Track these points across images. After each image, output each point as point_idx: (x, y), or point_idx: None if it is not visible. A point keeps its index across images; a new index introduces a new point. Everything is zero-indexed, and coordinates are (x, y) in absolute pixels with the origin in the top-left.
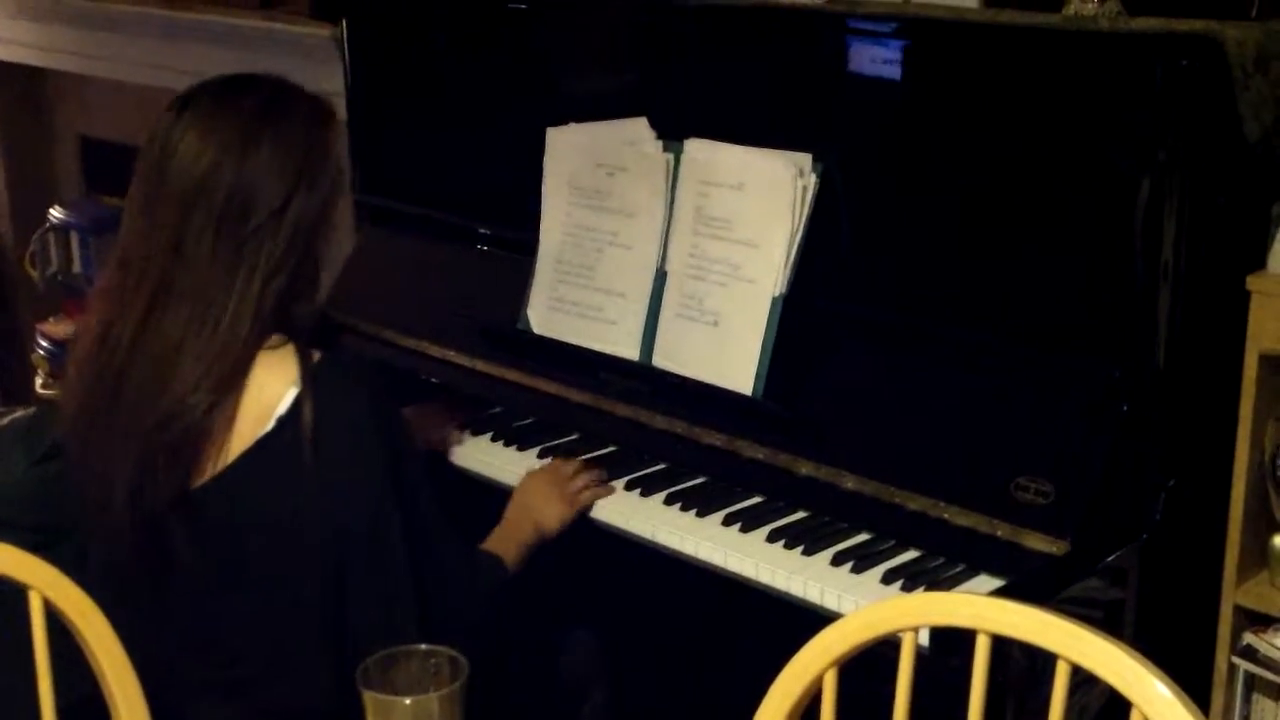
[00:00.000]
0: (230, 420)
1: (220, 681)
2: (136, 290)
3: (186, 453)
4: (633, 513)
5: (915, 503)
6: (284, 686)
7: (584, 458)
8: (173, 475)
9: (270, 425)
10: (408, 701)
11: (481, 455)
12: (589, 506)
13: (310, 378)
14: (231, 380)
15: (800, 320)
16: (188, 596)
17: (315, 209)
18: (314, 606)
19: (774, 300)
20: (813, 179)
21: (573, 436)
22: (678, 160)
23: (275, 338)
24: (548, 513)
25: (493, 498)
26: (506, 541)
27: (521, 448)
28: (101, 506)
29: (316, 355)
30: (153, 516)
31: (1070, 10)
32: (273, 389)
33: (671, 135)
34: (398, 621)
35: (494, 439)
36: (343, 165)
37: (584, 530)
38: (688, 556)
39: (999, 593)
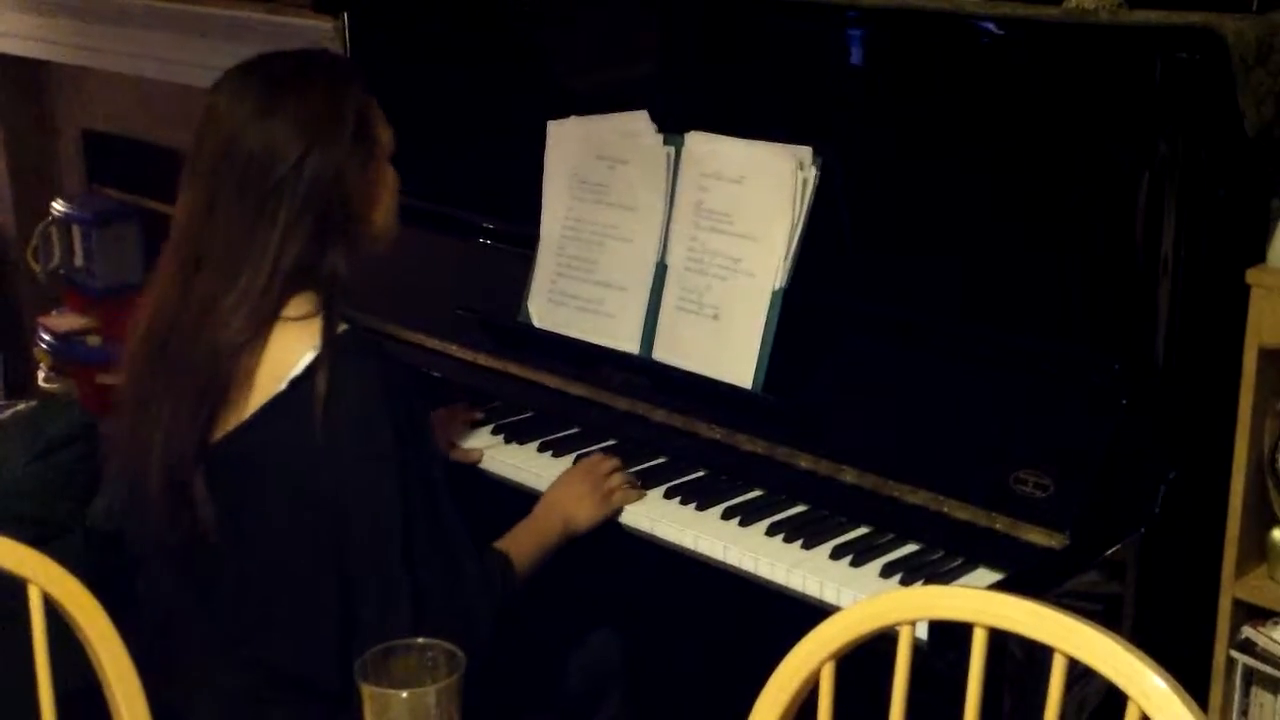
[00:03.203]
0: (250, 376)
1: (231, 645)
2: (180, 263)
3: (210, 400)
4: (632, 506)
5: (914, 496)
6: (287, 655)
7: (584, 451)
8: (196, 423)
9: (283, 385)
10: (404, 695)
11: (481, 448)
12: (620, 509)
13: (330, 345)
14: (256, 328)
15: (800, 314)
16: (209, 557)
17: (334, 163)
18: (314, 576)
19: (774, 294)
20: (813, 172)
21: (573, 430)
22: (678, 153)
23: (305, 304)
24: (579, 512)
25: (491, 491)
26: (528, 539)
27: (521, 442)
28: (140, 477)
29: (343, 327)
30: (179, 474)
31: (1070, 3)
32: (293, 352)
33: (672, 128)
34: (389, 613)
35: (494, 433)
36: (374, 124)
37: None
38: (687, 550)
39: (997, 586)
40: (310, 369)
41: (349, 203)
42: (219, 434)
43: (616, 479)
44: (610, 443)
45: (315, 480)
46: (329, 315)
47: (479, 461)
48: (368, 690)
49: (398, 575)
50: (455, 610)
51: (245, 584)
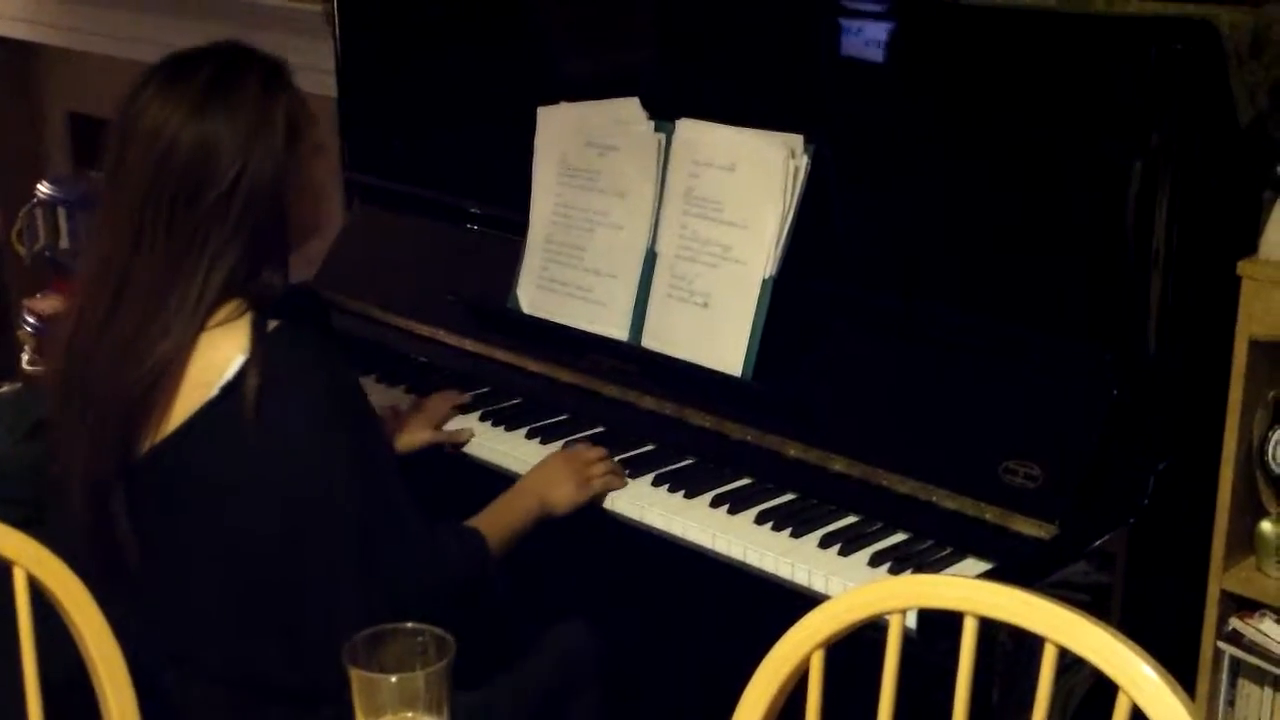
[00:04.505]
0: (174, 389)
1: (183, 655)
2: (103, 286)
3: (131, 423)
4: (620, 493)
5: (904, 485)
6: (241, 659)
7: (572, 438)
8: (117, 443)
9: (214, 392)
10: (394, 679)
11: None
12: (601, 495)
13: (260, 345)
14: (176, 352)
15: (790, 302)
16: (142, 571)
17: (269, 175)
18: (258, 577)
19: (764, 282)
20: (804, 160)
21: (561, 417)
22: (669, 140)
23: (231, 309)
24: (558, 492)
25: (477, 477)
26: (501, 516)
27: (509, 428)
28: (63, 494)
29: (273, 324)
30: (99, 490)
31: None
32: (221, 356)
33: (663, 115)
34: (343, 599)
35: (482, 419)
36: (303, 125)
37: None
38: (675, 538)
39: (987, 576)
40: (242, 371)
41: (283, 212)
42: (142, 448)
43: (599, 467)
44: (599, 430)
45: (258, 480)
46: (258, 317)
47: (465, 444)
48: (356, 675)
49: (350, 564)
50: (418, 588)
51: (188, 594)
